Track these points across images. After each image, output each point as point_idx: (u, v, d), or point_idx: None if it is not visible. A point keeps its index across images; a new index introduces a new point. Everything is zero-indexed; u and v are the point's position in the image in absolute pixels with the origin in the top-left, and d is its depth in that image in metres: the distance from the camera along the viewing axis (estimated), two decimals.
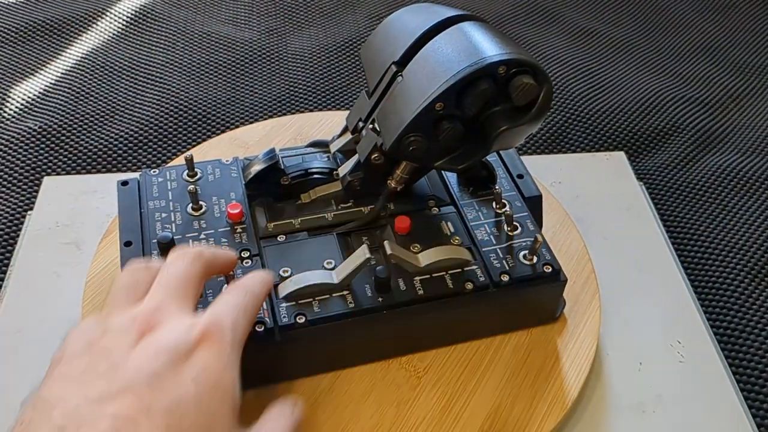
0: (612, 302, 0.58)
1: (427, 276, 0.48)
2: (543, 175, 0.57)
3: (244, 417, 0.47)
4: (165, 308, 0.37)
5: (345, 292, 0.47)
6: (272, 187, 0.53)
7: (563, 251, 0.59)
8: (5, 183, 0.72)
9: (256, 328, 0.45)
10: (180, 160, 0.62)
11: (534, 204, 0.55)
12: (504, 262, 0.50)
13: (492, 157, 0.57)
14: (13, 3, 1.00)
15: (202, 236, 0.50)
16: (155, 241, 0.49)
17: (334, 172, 0.54)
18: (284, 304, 0.46)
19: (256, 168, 0.52)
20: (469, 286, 0.48)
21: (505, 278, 0.49)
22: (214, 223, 0.51)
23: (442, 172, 0.56)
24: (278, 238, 0.51)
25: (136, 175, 0.56)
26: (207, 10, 1.02)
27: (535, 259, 0.50)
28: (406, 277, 0.48)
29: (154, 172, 0.55)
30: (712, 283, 0.65)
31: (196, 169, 0.55)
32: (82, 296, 0.54)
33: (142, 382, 0.33)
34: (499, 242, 0.51)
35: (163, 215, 0.52)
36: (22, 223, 0.67)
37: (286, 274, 0.48)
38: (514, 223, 0.52)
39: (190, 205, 0.52)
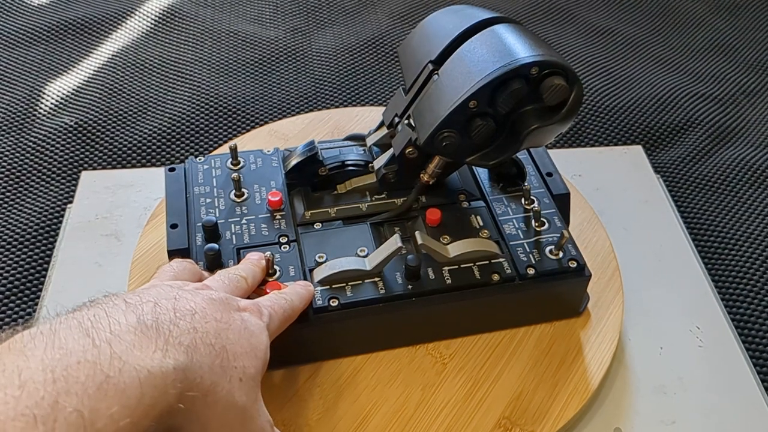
0: (632, 290, 0.60)
1: (456, 266, 0.50)
2: (564, 168, 0.60)
3: (284, 388, 0.49)
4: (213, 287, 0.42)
5: (377, 279, 0.49)
6: (310, 177, 0.55)
7: (589, 248, 0.60)
8: (44, 177, 0.75)
9: None
10: (223, 149, 0.65)
11: (562, 201, 0.57)
12: (531, 255, 0.51)
13: (522, 155, 0.59)
14: (45, 3, 1.03)
15: (244, 221, 0.53)
16: (200, 224, 0.52)
17: (370, 165, 0.56)
18: (319, 288, 0.49)
19: (296, 159, 0.55)
20: (496, 277, 0.50)
21: (531, 271, 0.51)
22: (255, 209, 0.54)
23: (473, 168, 0.58)
24: (315, 226, 0.53)
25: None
26: (233, 10, 1.05)
27: (561, 254, 0.52)
28: (435, 266, 0.50)
29: (199, 159, 0.58)
30: (729, 272, 0.68)
31: (239, 158, 0.58)
32: (129, 273, 0.57)
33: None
34: (527, 237, 0.53)
35: (208, 200, 0.55)
36: (62, 216, 0.70)
37: (322, 260, 0.50)
38: (542, 218, 0.54)
39: (233, 191, 0.55)
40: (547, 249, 0.52)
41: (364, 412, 0.49)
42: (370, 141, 0.58)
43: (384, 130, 0.57)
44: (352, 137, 0.60)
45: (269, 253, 0.49)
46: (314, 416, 0.49)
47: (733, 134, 0.85)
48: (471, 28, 0.50)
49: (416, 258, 0.49)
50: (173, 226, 0.53)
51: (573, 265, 0.51)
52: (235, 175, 0.54)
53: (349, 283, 0.49)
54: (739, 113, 0.89)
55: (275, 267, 0.50)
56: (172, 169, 0.58)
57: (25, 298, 0.63)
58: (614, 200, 0.69)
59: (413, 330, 0.52)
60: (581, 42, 1.01)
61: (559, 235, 0.52)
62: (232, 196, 0.55)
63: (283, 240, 0.52)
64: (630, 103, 0.88)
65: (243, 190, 0.55)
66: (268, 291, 0.47)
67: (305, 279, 0.49)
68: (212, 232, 0.51)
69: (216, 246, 0.49)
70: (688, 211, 0.75)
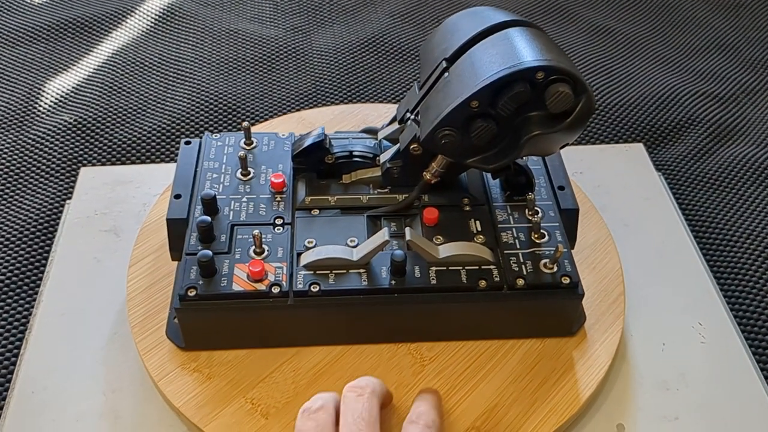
0: (634, 286, 0.59)
1: (444, 268, 0.50)
2: (565, 165, 0.59)
3: (260, 368, 0.50)
4: None
5: (362, 270, 0.49)
6: (317, 163, 0.56)
7: (597, 269, 0.58)
8: (43, 174, 0.75)
9: (272, 290, 0.48)
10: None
11: (569, 216, 0.55)
12: (523, 266, 0.50)
13: (537, 165, 0.58)
14: (46, 1, 1.03)
15: (244, 199, 0.54)
16: (200, 197, 0.53)
17: (377, 158, 0.56)
18: (303, 272, 0.49)
19: (303, 144, 0.55)
20: (483, 284, 0.49)
21: (520, 282, 0.49)
22: (258, 189, 0.55)
23: (485, 173, 0.57)
24: (312, 212, 0.53)
25: (170, 166, 0.58)
26: (233, 8, 1.04)
27: (555, 268, 0.50)
28: (423, 265, 0.50)
29: (215, 136, 0.60)
30: (731, 268, 0.68)
31: (253, 139, 0.59)
32: (128, 269, 0.57)
33: None
34: (523, 247, 0.51)
35: (214, 176, 0.56)
36: (61, 212, 0.70)
37: (311, 245, 0.50)
38: (542, 231, 0.52)
39: (240, 170, 0.56)
40: (542, 262, 0.50)
41: None
42: (381, 135, 0.57)
43: (395, 125, 0.56)
44: (368, 130, 0.60)
45: (257, 231, 0.49)
46: (283, 399, 0.49)
47: (734, 132, 0.85)
48: (487, 30, 0.49)
49: (403, 254, 0.48)
50: (177, 196, 0.54)
51: (566, 281, 0.49)
52: (242, 153, 0.55)
53: (334, 271, 0.49)
54: (741, 111, 0.88)
55: (264, 246, 0.50)
56: (188, 143, 0.59)
57: (24, 294, 0.63)
58: (615, 197, 0.69)
59: (395, 327, 0.51)
60: (581, 41, 1.00)
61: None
62: (238, 174, 0.56)
63: (278, 222, 0.52)
64: (631, 101, 0.88)
65: (249, 169, 0.56)
66: (251, 269, 0.48)
67: (292, 262, 0.50)
68: (210, 206, 0.52)
69: (209, 219, 0.50)
70: (689, 208, 0.74)
